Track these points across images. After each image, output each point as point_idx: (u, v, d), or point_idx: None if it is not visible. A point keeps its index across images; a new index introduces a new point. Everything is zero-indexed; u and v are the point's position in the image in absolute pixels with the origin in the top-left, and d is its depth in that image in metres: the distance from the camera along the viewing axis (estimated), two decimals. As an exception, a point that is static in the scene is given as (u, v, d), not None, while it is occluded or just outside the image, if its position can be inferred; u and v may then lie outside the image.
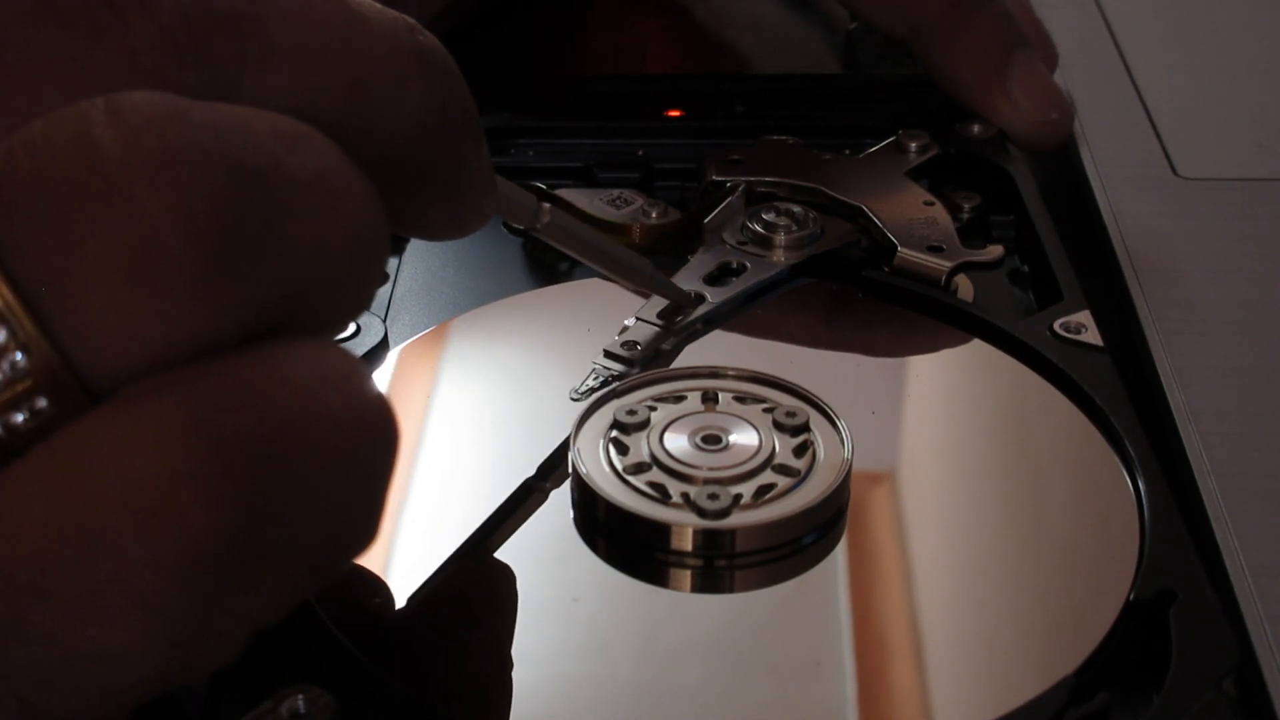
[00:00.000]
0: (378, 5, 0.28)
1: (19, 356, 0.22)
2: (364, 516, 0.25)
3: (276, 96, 0.25)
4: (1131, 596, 0.35)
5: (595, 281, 0.48)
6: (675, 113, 0.57)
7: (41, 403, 0.22)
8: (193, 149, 0.23)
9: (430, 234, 0.31)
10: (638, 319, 0.45)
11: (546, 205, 0.36)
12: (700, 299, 0.46)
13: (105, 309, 0.22)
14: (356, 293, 0.25)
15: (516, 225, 0.34)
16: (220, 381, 0.23)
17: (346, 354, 0.24)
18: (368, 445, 0.24)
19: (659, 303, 0.45)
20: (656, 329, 0.44)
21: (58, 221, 0.22)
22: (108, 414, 0.22)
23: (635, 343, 0.44)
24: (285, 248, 0.23)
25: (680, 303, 0.45)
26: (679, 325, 0.45)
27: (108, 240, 0.22)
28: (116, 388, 0.23)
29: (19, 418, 0.22)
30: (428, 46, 0.28)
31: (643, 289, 0.44)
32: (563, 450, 0.39)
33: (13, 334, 0.22)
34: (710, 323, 0.46)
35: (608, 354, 0.43)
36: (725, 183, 0.50)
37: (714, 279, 0.47)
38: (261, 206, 0.23)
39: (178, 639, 0.23)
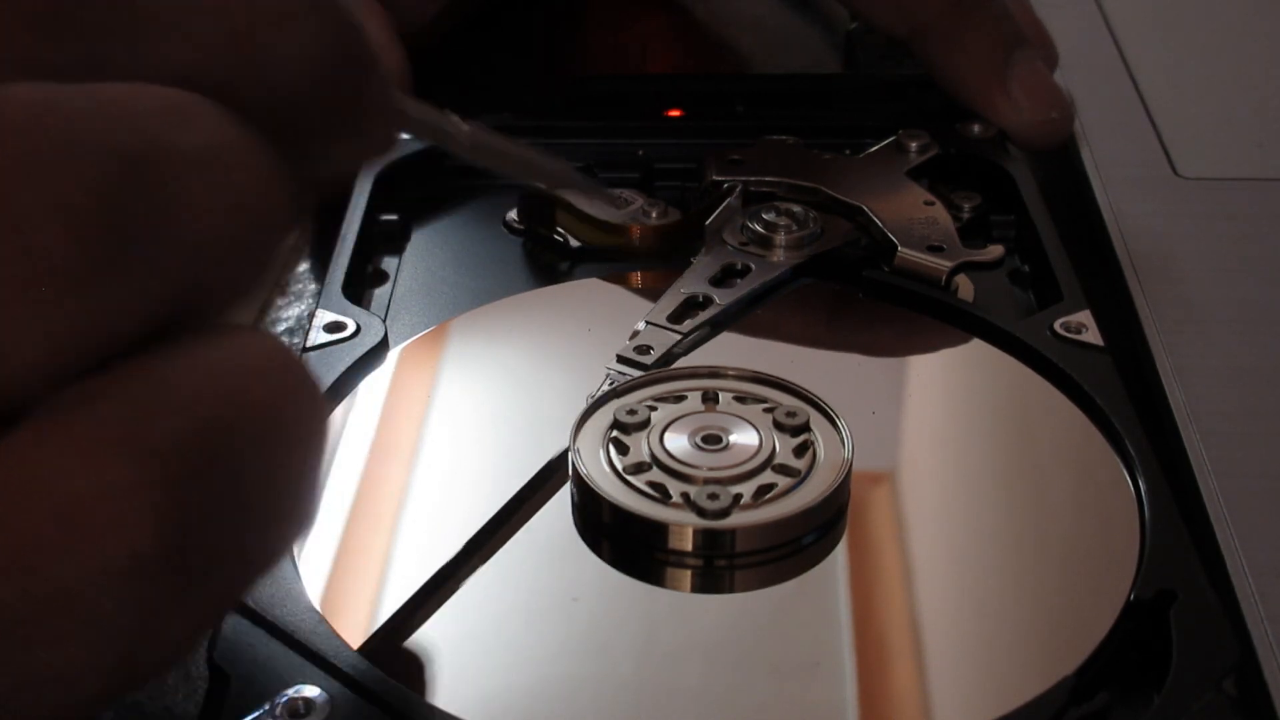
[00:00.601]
0: None
1: None
2: (303, 502, 0.24)
3: (156, 63, 0.24)
4: (1132, 596, 0.35)
5: (595, 281, 0.48)
6: (675, 113, 0.57)
7: None
8: (69, 143, 0.21)
9: (333, 171, 0.30)
10: (648, 323, 0.44)
11: (460, 121, 0.35)
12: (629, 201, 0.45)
13: (4, 316, 0.21)
14: (261, 267, 0.24)
15: (438, 145, 0.32)
16: (144, 387, 0.22)
17: (269, 339, 0.24)
18: (303, 432, 0.24)
19: (668, 306, 0.45)
20: (667, 332, 0.44)
21: None
22: (33, 433, 0.21)
23: (648, 346, 0.44)
24: (182, 232, 0.22)
25: (609, 202, 0.44)
26: (688, 329, 0.45)
27: None
28: (28, 402, 0.22)
29: None
30: None
31: (575, 193, 0.43)
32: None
33: None
34: (718, 325, 0.46)
35: (621, 359, 0.43)
36: (725, 183, 0.50)
37: (719, 281, 0.47)
38: (150, 191, 0.22)
39: (126, 651, 0.22)
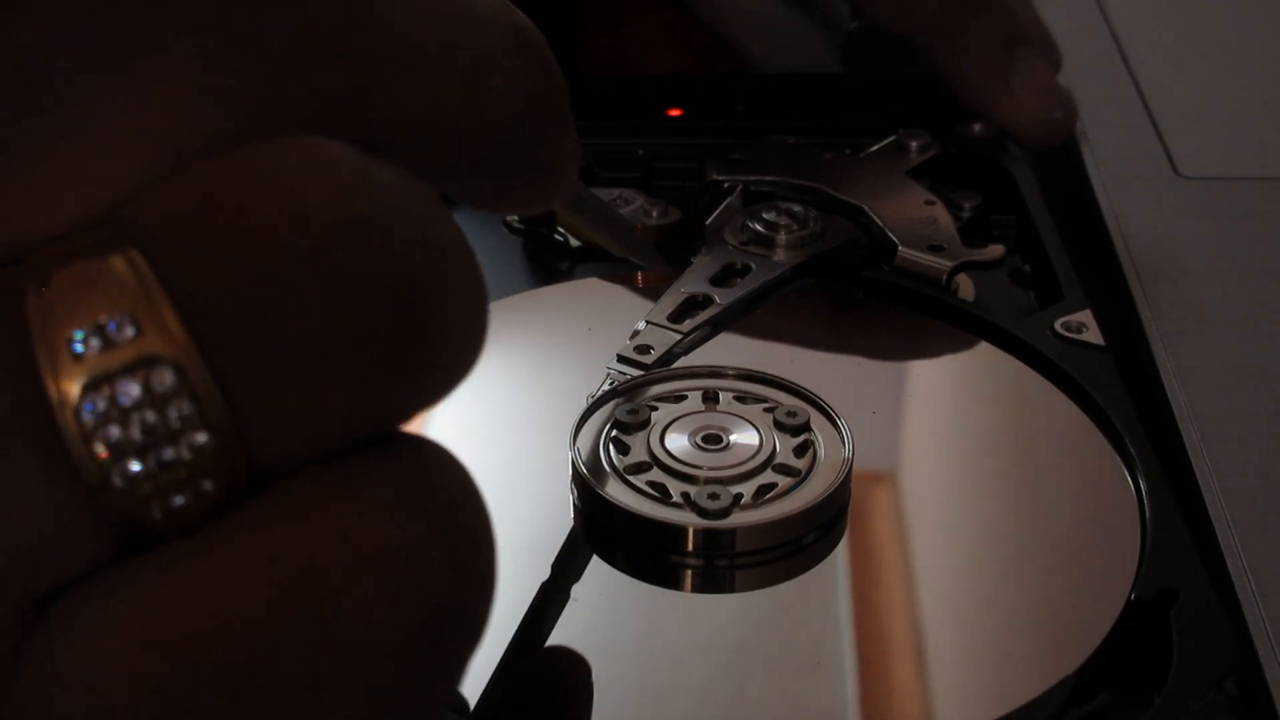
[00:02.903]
0: None
1: (202, 438, 0.20)
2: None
3: (409, 100, 0.23)
4: (1132, 596, 0.35)
5: (595, 281, 0.48)
6: (675, 112, 0.57)
7: (207, 485, 0.20)
8: (399, 213, 0.20)
9: (513, 211, 0.29)
10: (648, 322, 0.44)
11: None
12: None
13: (302, 390, 0.20)
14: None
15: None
16: (421, 460, 0.21)
17: (443, 447, 0.23)
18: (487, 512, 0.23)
19: (669, 305, 0.45)
20: (668, 332, 0.44)
21: (260, 288, 0.20)
22: (327, 484, 0.20)
23: (649, 346, 0.43)
24: (447, 322, 0.21)
25: (652, 267, 0.45)
26: (689, 328, 0.45)
27: (315, 313, 0.20)
28: (282, 470, 0.21)
29: (179, 500, 0.20)
30: (525, 25, 0.25)
31: (627, 257, 0.44)
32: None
33: (200, 414, 0.20)
34: (718, 325, 0.46)
35: (621, 358, 0.43)
36: (725, 182, 0.50)
37: (719, 280, 0.47)
38: (441, 276, 0.21)
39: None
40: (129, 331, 0.19)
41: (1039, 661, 0.35)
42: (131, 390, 0.19)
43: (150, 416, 0.20)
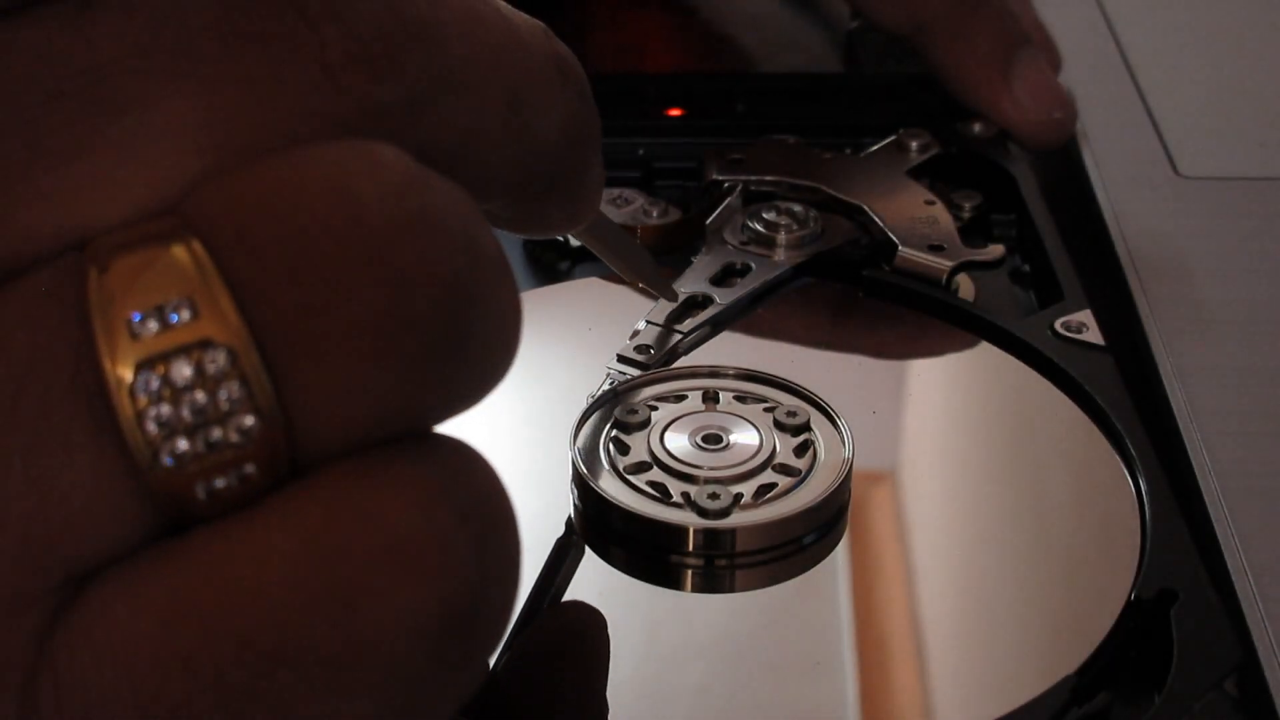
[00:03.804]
0: (516, 10, 0.26)
1: (250, 421, 0.20)
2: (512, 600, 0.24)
3: (455, 116, 0.24)
4: (1133, 596, 0.35)
5: (595, 281, 0.48)
6: (675, 112, 0.57)
7: (250, 469, 0.21)
8: (447, 215, 0.21)
9: (537, 233, 0.30)
10: (648, 322, 0.44)
11: None
12: (695, 300, 0.46)
13: (348, 380, 0.21)
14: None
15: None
16: (452, 458, 0.22)
17: (474, 449, 0.24)
18: (514, 512, 0.24)
19: (668, 305, 0.45)
20: (667, 332, 0.44)
21: (314, 279, 0.20)
22: (352, 473, 0.21)
23: (648, 346, 0.43)
24: (487, 325, 0.22)
25: (666, 298, 0.45)
26: (689, 328, 0.45)
27: (365, 306, 0.20)
28: (320, 459, 0.21)
29: (222, 483, 0.21)
30: (564, 53, 0.26)
31: (637, 283, 0.44)
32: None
33: (250, 398, 0.20)
34: (719, 325, 0.46)
35: (621, 358, 0.43)
36: (725, 182, 0.50)
37: (719, 280, 0.47)
38: (480, 281, 0.22)
39: (415, 713, 0.21)
40: (185, 315, 0.20)
41: (1039, 661, 0.35)
42: (184, 371, 0.20)
43: (201, 397, 0.20)
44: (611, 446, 0.39)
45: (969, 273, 0.48)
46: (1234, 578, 0.36)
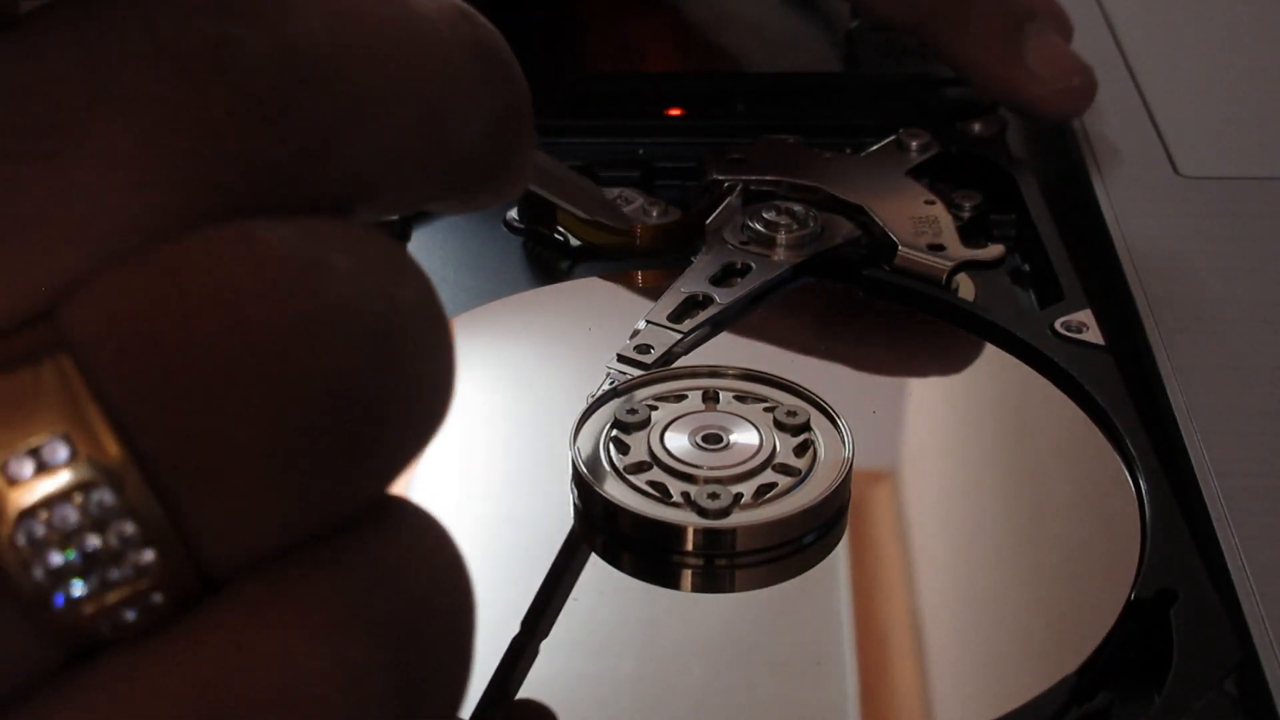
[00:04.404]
0: None
1: (148, 556, 0.19)
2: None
3: (365, 151, 0.21)
4: (1133, 596, 0.35)
5: (595, 281, 0.48)
6: (675, 112, 0.57)
7: (157, 598, 0.19)
8: (338, 309, 0.19)
9: (468, 209, 0.27)
10: (648, 322, 0.44)
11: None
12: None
13: (246, 499, 0.19)
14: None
15: None
16: (358, 565, 0.20)
17: (427, 515, 0.22)
18: (465, 605, 0.22)
19: (668, 305, 0.45)
20: (668, 331, 0.44)
21: (197, 397, 0.19)
22: (247, 606, 0.19)
23: (649, 346, 0.43)
24: (409, 405, 0.20)
25: (619, 226, 0.45)
26: (689, 328, 0.45)
27: (255, 420, 0.19)
28: (229, 575, 0.20)
29: (128, 615, 0.19)
30: (486, 38, 0.24)
31: (594, 217, 0.44)
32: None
33: (144, 530, 0.19)
34: (719, 325, 0.46)
35: (621, 358, 0.43)
36: (725, 182, 0.50)
37: (719, 280, 0.47)
38: (394, 361, 0.20)
39: None
40: (63, 453, 0.19)
41: (1039, 661, 0.35)
42: (69, 515, 0.19)
43: (92, 540, 0.19)
44: (611, 446, 0.39)
45: (969, 273, 0.48)
46: (1234, 578, 0.36)
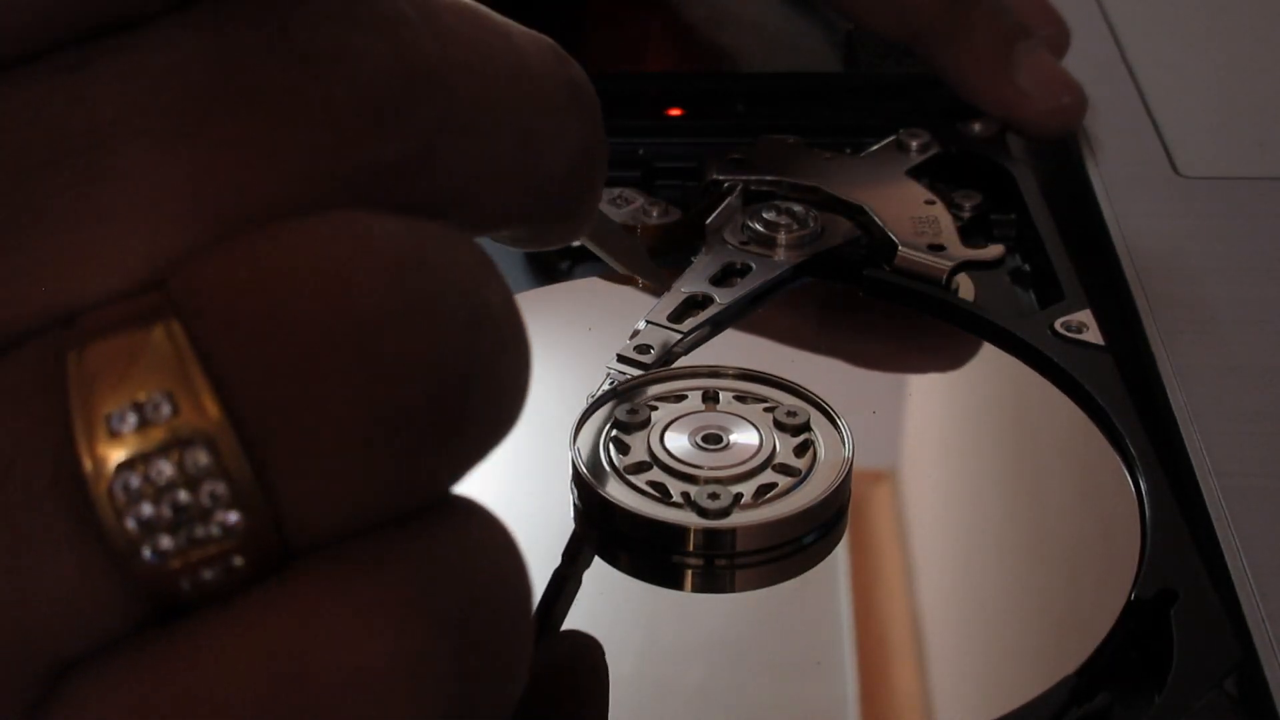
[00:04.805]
0: (526, 31, 0.25)
1: (234, 517, 0.20)
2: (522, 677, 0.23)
3: (464, 161, 0.23)
4: (1133, 596, 0.35)
5: (595, 281, 0.48)
6: (676, 111, 0.57)
7: (237, 561, 0.20)
8: (437, 298, 0.20)
9: (538, 245, 0.29)
10: (648, 322, 0.44)
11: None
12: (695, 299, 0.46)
13: (336, 472, 0.20)
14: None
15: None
16: (427, 553, 0.21)
17: (493, 516, 0.23)
18: (527, 606, 0.23)
19: (668, 305, 0.45)
20: (668, 331, 0.44)
21: (300, 372, 0.19)
22: (316, 586, 0.20)
23: (649, 346, 0.43)
24: (491, 399, 0.21)
25: (656, 284, 0.45)
26: (689, 328, 0.45)
27: (353, 396, 0.20)
28: (311, 548, 0.20)
29: (208, 575, 0.20)
30: (578, 79, 0.26)
31: (633, 276, 0.44)
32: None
33: (233, 494, 0.20)
34: (719, 324, 0.46)
35: (621, 358, 0.43)
36: (725, 182, 0.50)
37: (719, 280, 0.47)
38: (482, 356, 0.21)
39: None
40: (165, 410, 0.19)
41: (1039, 661, 0.35)
42: (165, 470, 0.20)
43: (183, 496, 0.20)
44: (611, 446, 0.39)
45: (969, 272, 0.48)
46: (1234, 578, 0.36)
